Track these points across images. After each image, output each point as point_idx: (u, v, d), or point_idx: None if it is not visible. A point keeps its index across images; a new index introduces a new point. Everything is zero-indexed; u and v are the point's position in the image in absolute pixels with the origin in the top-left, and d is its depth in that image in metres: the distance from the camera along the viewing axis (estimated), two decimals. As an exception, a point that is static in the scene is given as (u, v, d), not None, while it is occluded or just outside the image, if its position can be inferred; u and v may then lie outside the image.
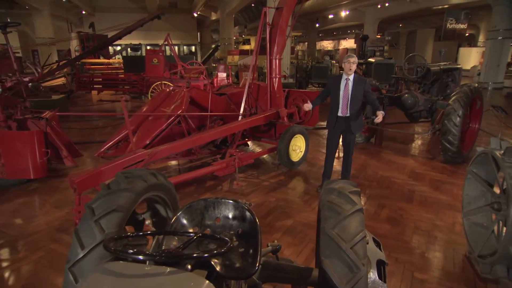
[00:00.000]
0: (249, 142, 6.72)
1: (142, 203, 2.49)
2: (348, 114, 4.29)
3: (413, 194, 4.71)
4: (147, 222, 2.40)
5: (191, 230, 1.74)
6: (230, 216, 1.80)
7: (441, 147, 5.74)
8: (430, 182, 5.14)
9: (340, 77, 4.33)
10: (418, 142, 7.60)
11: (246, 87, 5.64)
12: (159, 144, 4.56)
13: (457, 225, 3.79)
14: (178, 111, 4.97)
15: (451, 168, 5.72)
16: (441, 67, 6.93)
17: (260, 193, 4.76)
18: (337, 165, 5.59)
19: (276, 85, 5.88)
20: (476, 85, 5.92)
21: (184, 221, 1.77)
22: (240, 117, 5.62)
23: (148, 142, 4.74)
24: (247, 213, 1.75)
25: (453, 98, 5.48)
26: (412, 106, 6.58)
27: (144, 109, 5.38)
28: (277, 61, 5.84)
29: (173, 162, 5.94)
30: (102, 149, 4.88)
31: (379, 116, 4.17)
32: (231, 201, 1.81)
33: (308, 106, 4.56)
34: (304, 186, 5.05)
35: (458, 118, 5.34)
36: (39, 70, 7.57)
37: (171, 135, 5.29)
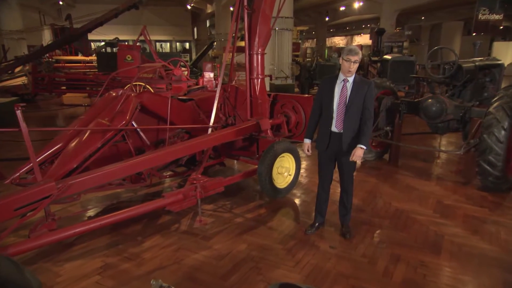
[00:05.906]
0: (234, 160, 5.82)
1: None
2: (342, 130, 3.46)
3: (441, 239, 3.76)
4: None
5: None
6: None
7: (478, 169, 4.82)
8: (465, 220, 4.19)
9: (335, 78, 3.45)
10: (445, 160, 6.63)
11: (218, 90, 4.75)
12: (97, 168, 3.69)
13: (510, 298, 2.84)
14: (119, 123, 4.10)
15: (493, 198, 4.77)
16: (477, 63, 5.99)
17: (228, 235, 3.87)
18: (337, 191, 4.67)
19: (258, 88, 5.00)
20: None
21: None
22: (209, 130, 4.73)
23: (75, 165, 3.86)
24: None
25: (495, 104, 4.64)
26: (437, 114, 5.61)
27: (80, 119, 4.52)
28: (260, 56, 4.96)
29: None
30: (18, 174, 4.00)
31: (357, 152, 3.36)
32: None
33: (307, 147, 3.79)
34: (291, 225, 4.14)
35: (502, 132, 4.49)
36: None
37: (117, 154, 4.44)
